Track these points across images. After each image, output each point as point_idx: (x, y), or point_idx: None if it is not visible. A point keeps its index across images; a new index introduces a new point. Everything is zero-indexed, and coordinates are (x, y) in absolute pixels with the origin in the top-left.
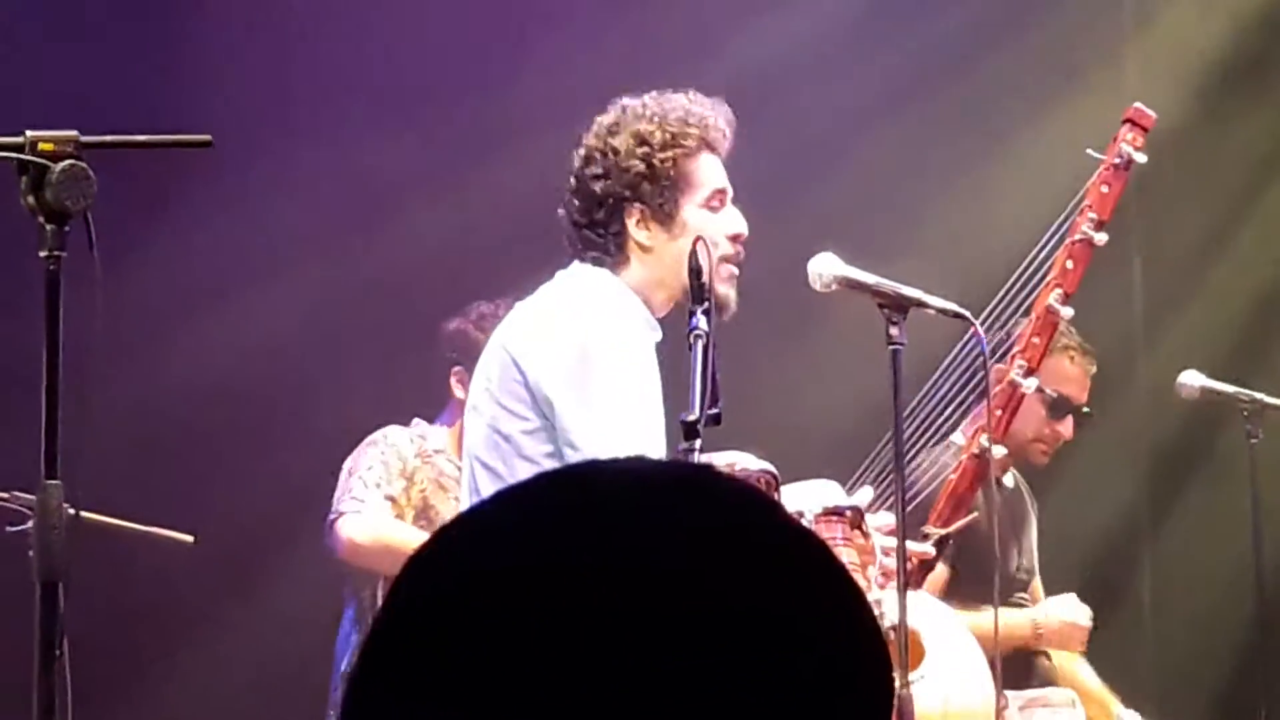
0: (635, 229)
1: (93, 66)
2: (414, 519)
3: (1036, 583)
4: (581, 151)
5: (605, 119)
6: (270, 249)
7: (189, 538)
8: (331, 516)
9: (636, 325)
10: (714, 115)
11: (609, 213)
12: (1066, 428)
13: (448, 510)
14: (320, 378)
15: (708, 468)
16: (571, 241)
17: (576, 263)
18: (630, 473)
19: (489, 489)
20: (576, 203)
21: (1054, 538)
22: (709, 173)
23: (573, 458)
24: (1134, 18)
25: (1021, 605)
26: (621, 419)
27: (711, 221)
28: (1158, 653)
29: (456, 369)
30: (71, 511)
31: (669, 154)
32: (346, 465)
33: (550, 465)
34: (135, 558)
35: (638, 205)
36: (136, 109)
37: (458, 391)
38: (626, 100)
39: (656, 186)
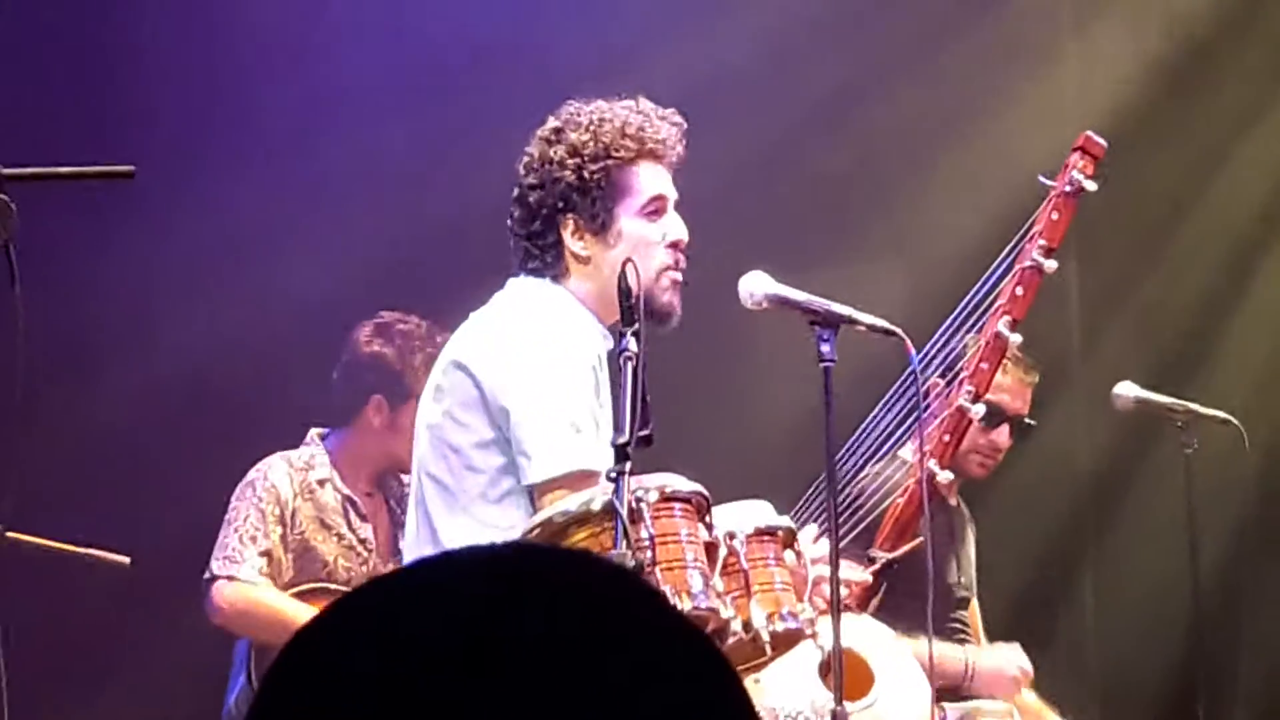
0: (571, 240)
1: (13, 98)
2: (294, 562)
3: (974, 604)
4: (523, 161)
5: (545, 129)
6: (197, 271)
7: (125, 559)
8: (207, 577)
9: (584, 335)
10: (657, 123)
11: (545, 224)
12: (1001, 436)
13: (328, 549)
14: (251, 399)
15: (584, 554)
16: (514, 253)
17: (522, 275)
18: (502, 560)
19: (436, 502)
20: (516, 213)
21: (996, 548)
22: (646, 181)
23: (525, 467)
24: (1071, 26)
25: (960, 624)
26: (572, 431)
27: (648, 230)
28: (1099, 661)
29: (375, 396)
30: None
31: (600, 164)
32: (229, 507)
33: (500, 479)
34: (72, 580)
35: (571, 216)
36: (60, 140)
37: (374, 418)
38: (569, 109)
39: (588, 197)
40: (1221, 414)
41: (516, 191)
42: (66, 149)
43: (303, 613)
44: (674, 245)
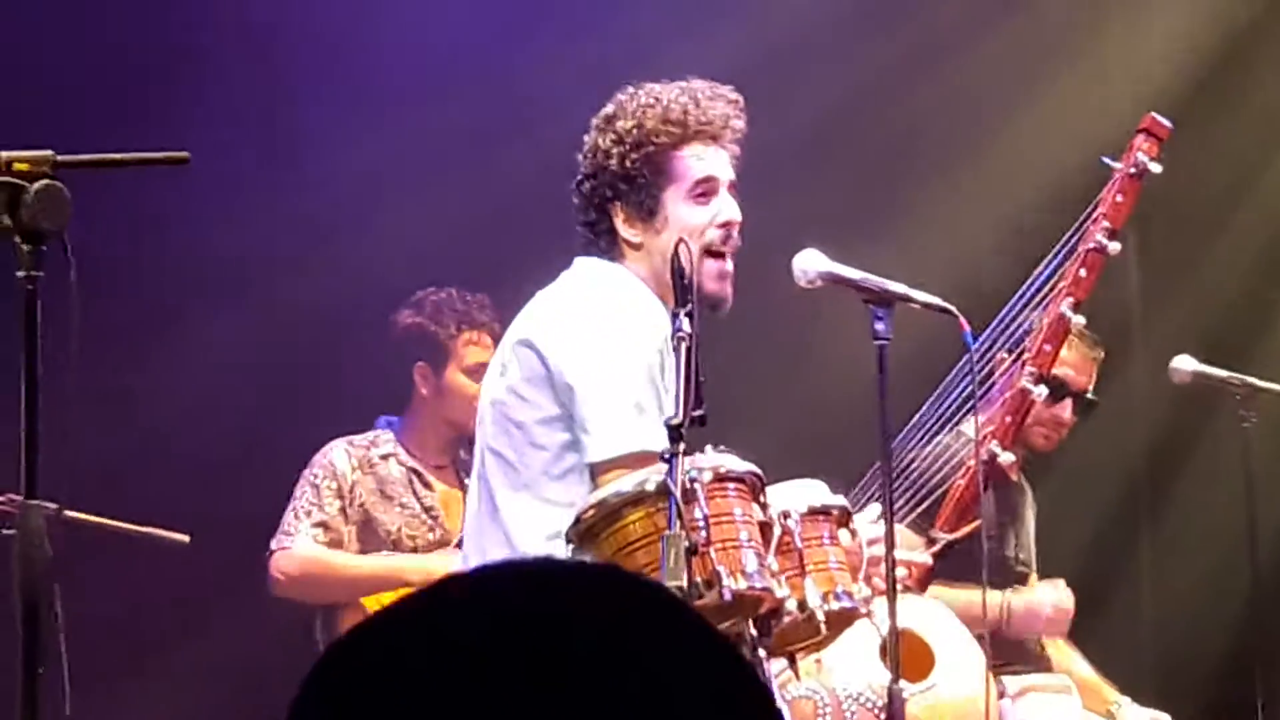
0: (623, 227)
1: (69, 84)
2: (357, 535)
3: (1033, 579)
4: (582, 148)
5: (599, 116)
6: (261, 253)
7: (184, 537)
8: (267, 554)
9: (651, 316)
10: (705, 103)
11: (598, 212)
12: (1064, 411)
13: (390, 519)
14: (311, 381)
15: (614, 569)
16: (580, 237)
17: (589, 257)
18: (538, 575)
19: (499, 477)
20: (575, 201)
21: (1052, 524)
22: (693, 164)
23: (586, 444)
24: (1119, 3)
25: None
26: (635, 411)
27: (696, 214)
28: (1156, 636)
29: (419, 364)
30: (54, 508)
31: (644, 151)
32: (294, 489)
33: (563, 455)
34: (132, 558)
35: (620, 204)
36: (114, 127)
37: (421, 387)
38: (621, 95)
39: (634, 185)
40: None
41: (575, 180)
42: (115, 138)
43: (357, 562)
44: (724, 226)
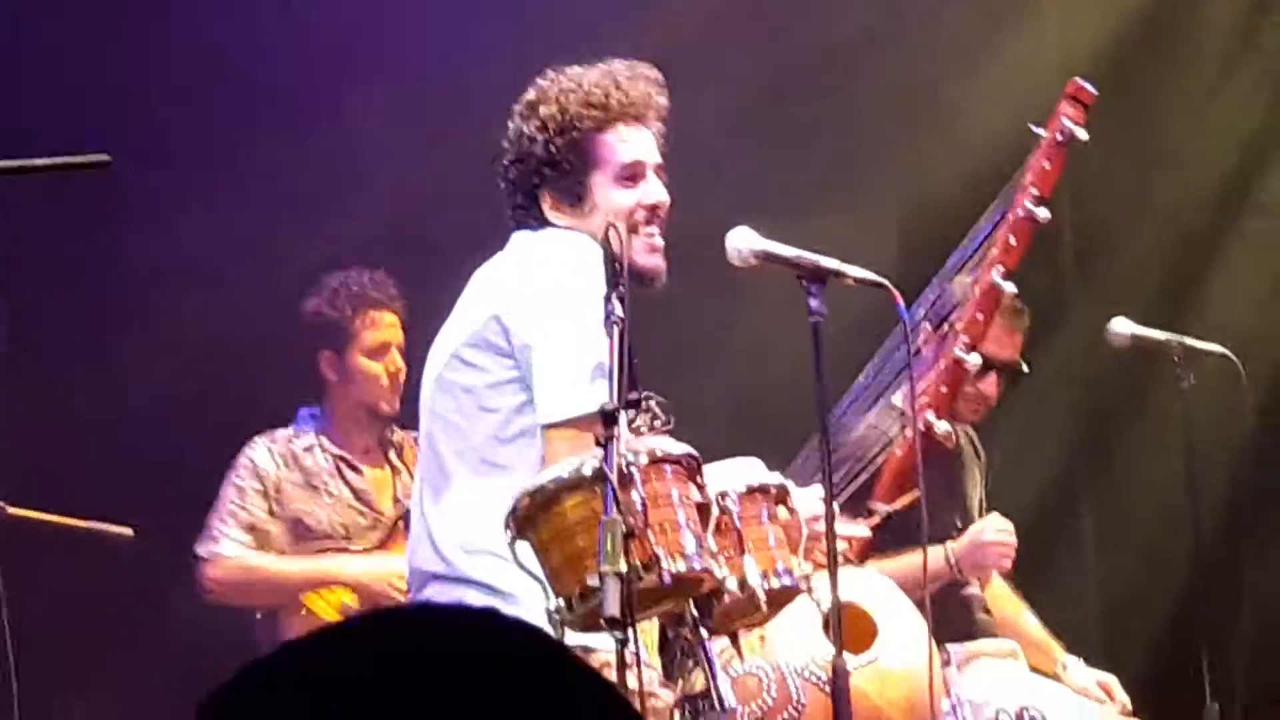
0: (551, 213)
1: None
2: (288, 532)
3: None
4: (507, 134)
5: (520, 103)
6: (201, 251)
7: (128, 531)
8: (192, 559)
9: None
10: (626, 84)
11: (525, 197)
12: (988, 385)
13: (319, 510)
14: (250, 374)
15: (491, 612)
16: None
17: (525, 230)
18: (417, 622)
19: (446, 445)
20: (502, 186)
21: (995, 487)
22: (619, 147)
23: (543, 403)
24: None
25: None
26: (592, 373)
27: (623, 196)
28: (1102, 597)
29: (324, 352)
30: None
31: (568, 137)
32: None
33: (514, 418)
34: (76, 554)
35: (547, 190)
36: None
37: (329, 374)
38: (542, 81)
39: (559, 171)
40: (1218, 348)
41: (501, 166)
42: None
43: (289, 564)
44: (650, 208)
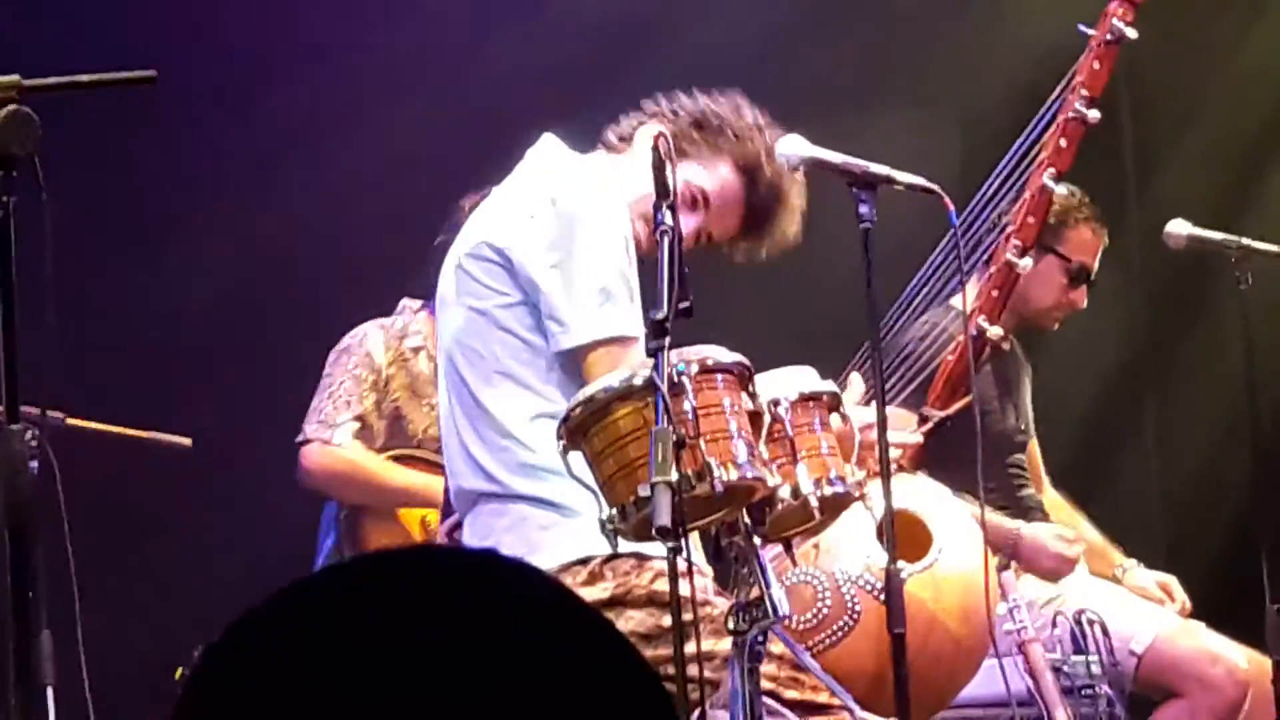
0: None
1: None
2: (386, 429)
3: (1033, 445)
4: None
5: None
6: (250, 158)
7: (186, 441)
8: (299, 439)
9: (610, 201)
10: None
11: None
12: (1080, 297)
13: (419, 418)
14: (311, 277)
15: (490, 553)
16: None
17: (546, 139)
18: (418, 563)
19: (469, 371)
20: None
21: (1055, 391)
22: None
23: (558, 334)
24: None
25: (1017, 469)
26: (601, 296)
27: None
28: (1163, 501)
29: None
30: (60, 417)
31: None
32: (324, 372)
33: (532, 340)
34: (135, 462)
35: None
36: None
37: None
38: None
39: None
40: (1276, 248)
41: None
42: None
43: (394, 474)
44: None
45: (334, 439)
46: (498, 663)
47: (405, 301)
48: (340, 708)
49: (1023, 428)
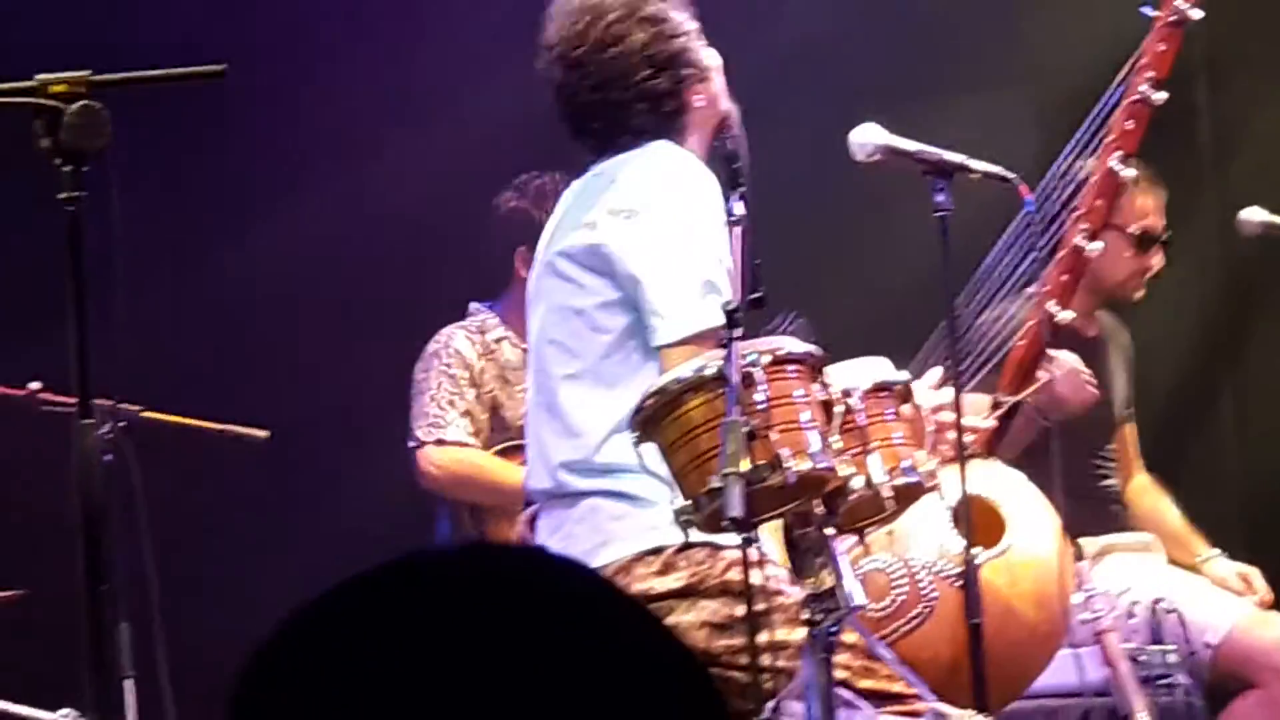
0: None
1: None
2: (488, 422)
3: (1129, 428)
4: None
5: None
6: (325, 147)
7: (263, 433)
8: (412, 444)
9: (707, 190)
10: None
11: (613, 115)
12: (1155, 258)
13: (513, 405)
14: (392, 273)
15: (539, 551)
16: (618, 119)
17: (627, 138)
18: (466, 561)
19: (559, 367)
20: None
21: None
22: (709, 56)
23: (657, 328)
24: None
25: (1105, 460)
26: (702, 289)
27: (723, 102)
28: (1243, 488)
29: (520, 249)
30: (135, 410)
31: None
32: (416, 380)
33: (625, 340)
34: (211, 455)
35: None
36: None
37: (522, 270)
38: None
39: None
40: None
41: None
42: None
43: (510, 472)
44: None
45: (449, 437)
46: (543, 660)
47: (473, 305)
48: (384, 707)
49: (1115, 411)
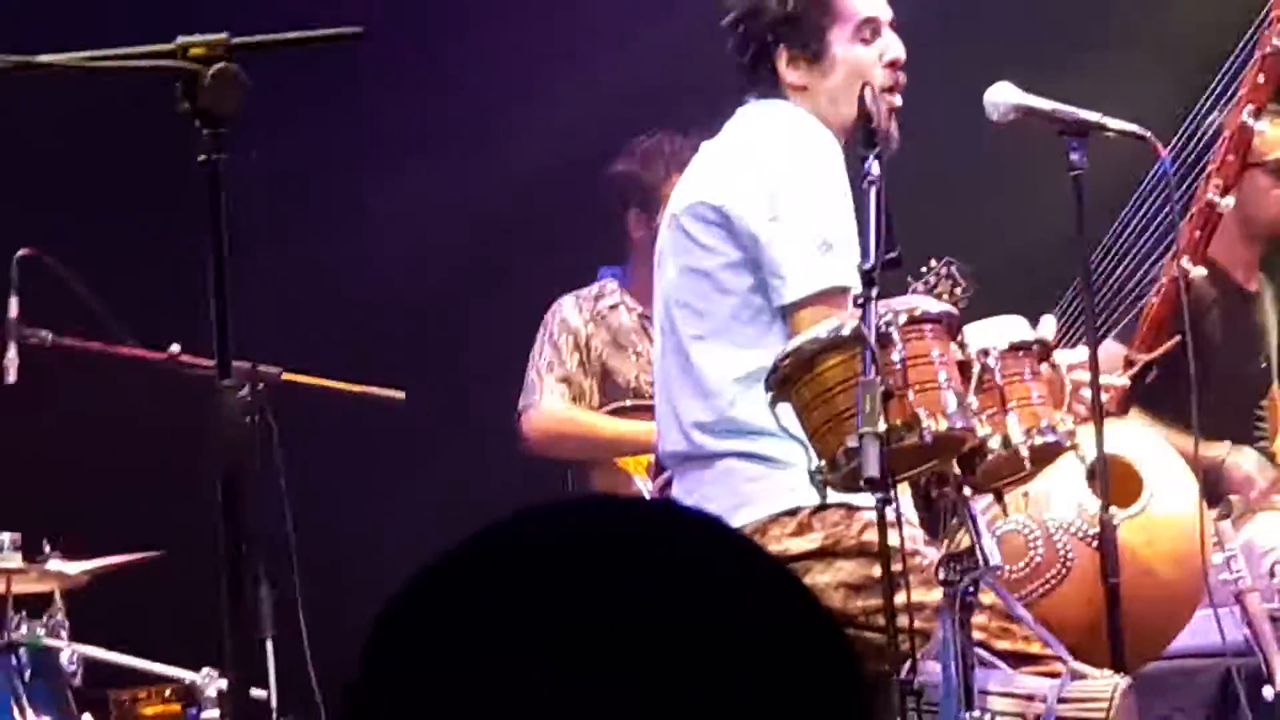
0: (786, 70)
1: None
2: (598, 386)
3: (1275, 388)
4: None
5: None
6: (461, 109)
7: (399, 394)
8: (517, 413)
9: (826, 148)
10: None
11: (756, 56)
12: None
13: (625, 367)
14: (522, 237)
15: (667, 504)
16: (739, 81)
17: (752, 100)
18: (599, 514)
19: (689, 328)
20: (732, 43)
21: None
22: (858, 3)
23: (779, 288)
24: None
25: (1262, 417)
26: (823, 248)
27: (864, 53)
28: None
29: (633, 211)
30: (276, 372)
31: None
32: (533, 349)
33: (751, 299)
34: (349, 416)
35: (783, 46)
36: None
37: (635, 233)
38: None
39: (797, 26)
40: None
41: (728, 19)
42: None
43: (605, 425)
44: (891, 64)
45: (542, 403)
46: (678, 616)
47: (601, 270)
48: (516, 663)
49: (1265, 367)
